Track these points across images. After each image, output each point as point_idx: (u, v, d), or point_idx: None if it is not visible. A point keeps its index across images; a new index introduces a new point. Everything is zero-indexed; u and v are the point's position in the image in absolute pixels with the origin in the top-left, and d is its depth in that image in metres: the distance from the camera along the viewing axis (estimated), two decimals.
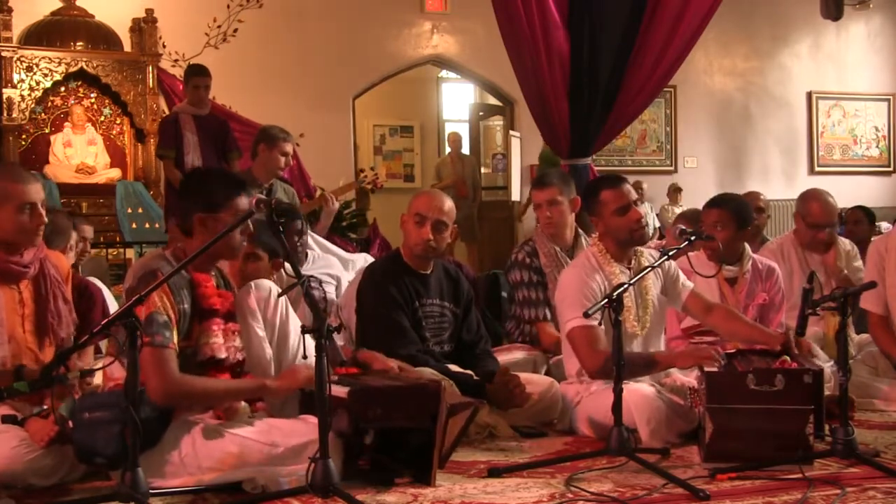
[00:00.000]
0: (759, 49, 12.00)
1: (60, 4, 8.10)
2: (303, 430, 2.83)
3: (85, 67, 7.69)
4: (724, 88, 11.90)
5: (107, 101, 7.94)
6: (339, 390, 2.81)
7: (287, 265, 3.62)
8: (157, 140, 7.37)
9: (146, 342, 2.69)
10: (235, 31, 9.23)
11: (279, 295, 3.04)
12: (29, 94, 7.52)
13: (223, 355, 2.91)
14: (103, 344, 3.80)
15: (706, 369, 3.20)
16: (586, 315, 3.10)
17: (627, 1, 6.46)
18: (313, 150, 8.80)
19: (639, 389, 3.39)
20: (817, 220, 4.85)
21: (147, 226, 7.33)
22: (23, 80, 7.49)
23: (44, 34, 7.79)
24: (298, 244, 4.49)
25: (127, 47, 8.11)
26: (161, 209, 7.35)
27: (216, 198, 2.98)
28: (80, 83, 7.85)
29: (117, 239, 7.36)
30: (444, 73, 12.74)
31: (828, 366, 3.72)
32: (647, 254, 3.86)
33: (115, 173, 7.87)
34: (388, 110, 12.69)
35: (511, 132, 10.93)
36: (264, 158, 5.59)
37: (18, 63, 7.48)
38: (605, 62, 6.48)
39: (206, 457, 2.78)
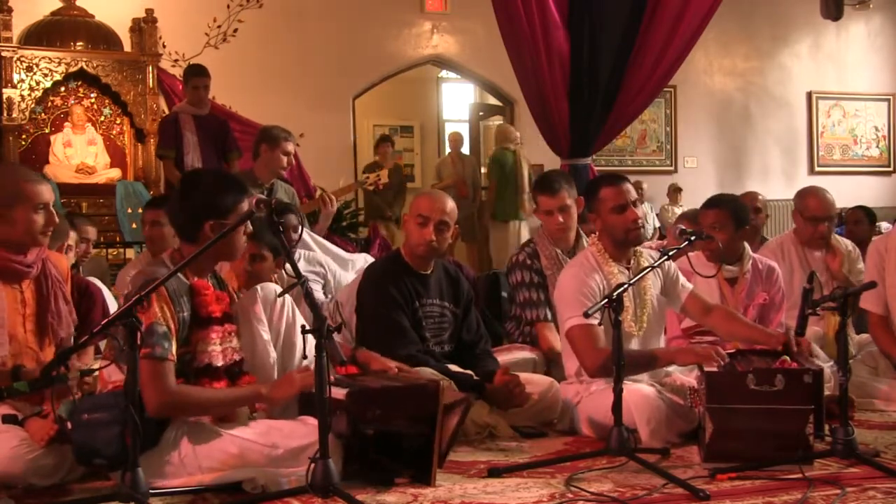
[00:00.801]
0: (759, 49, 12.00)
1: (60, 4, 8.10)
2: (302, 431, 2.83)
3: (85, 67, 7.69)
4: (724, 88, 11.90)
5: (107, 101, 7.93)
6: (338, 392, 2.80)
7: (287, 265, 3.62)
8: (156, 140, 7.38)
9: (145, 353, 2.69)
10: (235, 31, 9.23)
11: (279, 295, 3.04)
12: (29, 94, 7.51)
13: (219, 363, 2.90)
14: (103, 344, 3.80)
15: (706, 369, 3.21)
16: (586, 315, 3.11)
17: (627, 1, 6.47)
18: (313, 150, 8.79)
19: (639, 389, 3.39)
20: (815, 213, 4.86)
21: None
22: (23, 80, 7.48)
23: (44, 34, 7.78)
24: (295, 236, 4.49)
25: (127, 47, 8.10)
26: None
27: (226, 203, 2.96)
28: (80, 83, 7.84)
29: (117, 239, 7.35)
30: (444, 73, 12.74)
31: (828, 366, 3.72)
32: (647, 254, 3.86)
33: (115, 173, 7.86)
34: (388, 110, 12.68)
35: None
36: (266, 159, 5.59)
37: (18, 63, 7.47)
38: (605, 62, 6.49)
39: (206, 457, 2.78)
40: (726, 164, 11.87)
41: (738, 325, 3.74)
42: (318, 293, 4.61)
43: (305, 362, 3.03)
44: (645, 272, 3.42)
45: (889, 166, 12.75)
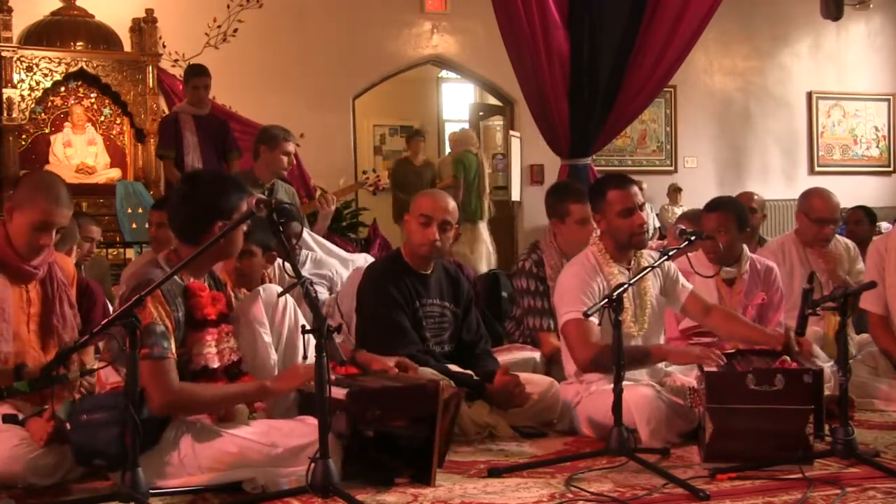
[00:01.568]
0: (759, 49, 11.99)
1: (60, 4, 8.09)
2: (302, 431, 2.83)
3: (85, 67, 7.68)
4: (724, 88, 11.90)
5: (107, 101, 7.93)
6: (338, 392, 2.80)
7: (287, 265, 3.61)
8: (157, 140, 7.38)
9: (144, 354, 2.68)
10: (235, 31, 9.23)
11: (279, 295, 3.03)
12: (29, 94, 7.51)
13: (215, 365, 2.90)
14: (102, 344, 3.80)
15: (706, 369, 3.21)
16: (586, 315, 3.11)
17: (627, 1, 6.47)
18: (313, 150, 8.79)
19: (639, 389, 3.39)
20: (821, 215, 4.85)
21: (147, 224, 7.31)
22: (23, 80, 7.48)
23: (44, 34, 7.78)
24: (296, 245, 4.50)
25: (127, 47, 8.10)
26: None
27: (231, 203, 2.96)
28: (80, 83, 7.84)
29: (117, 239, 7.34)
30: (444, 73, 12.74)
31: (828, 366, 3.73)
32: (647, 255, 3.86)
33: (115, 173, 7.85)
34: (388, 110, 12.68)
35: (511, 132, 10.93)
36: (267, 159, 5.59)
37: (18, 63, 7.47)
38: (605, 62, 6.49)
39: (206, 457, 2.78)
40: (726, 164, 11.87)
41: (738, 325, 3.74)
42: (324, 295, 4.61)
43: (306, 363, 3.03)
44: (645, 272, 3.42)
45: (889, 166, 12.75)
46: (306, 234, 5.07)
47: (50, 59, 7.57)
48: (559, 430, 3.74)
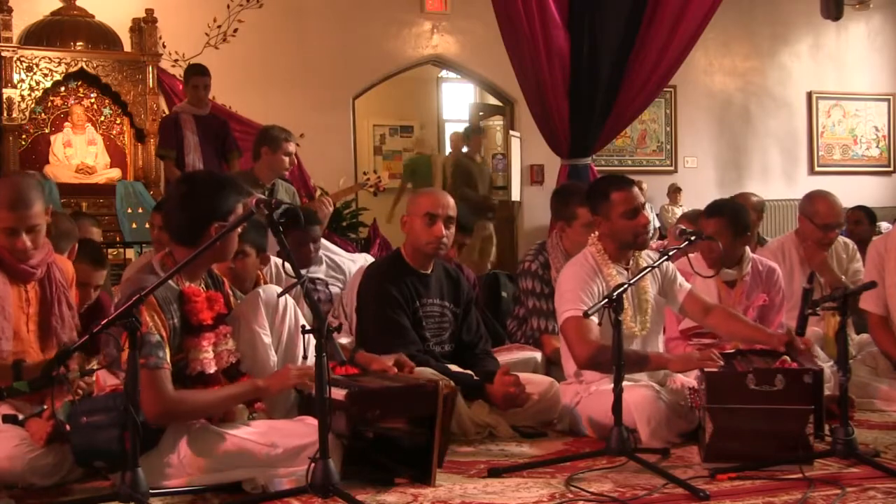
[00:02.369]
0: (759, 49, 11.99)
1: (60, 4, 8.09)
2: (302, 431, 2.83)
3: (85, 67, 7.68)
4: (724, 88, 11.90)
5: (107, 101, 7.93)
6: (338, 392, 2.80)
7: (287, 265, 3.61)
8: (157, 140, 7.38)
9: (140, 364, 2.68)
10: (235, 31, 9.23)
11: (278, 295, 3.03)
12: (29, 94, 7.51)
13: (212, 370, 2.90)
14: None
15: (706, 369, 3.20)
16: (586, 315, 3.11)
17: (627, 1, 6.46)
18: (313, 150, 8.79)
19: (639, 389, 3.40)
20: (826, 221, 4.84)
21: (147, 226, 7.31)
22: (23, 80, 7.47)
23: (44, 34, 7.77)
24: (313, 249, 4.50)
25: (127, 47, 8.10)
26: None
27: (229, 205, 2.96)
28: (80, 83, 7.84)
29: (117, 239, 7.35)
30: (444, 73, 12.74)
31: (828, 366, 3.72)
32: (646, 254, 3.85)
33: (115, 173, 7.85)
34: (388, 110, 12.68)
35: (511, 132, 10.93)
36: (269, 160, 5.60)
37: (18, 63, 7.47)
38: (605, 62, 6.48)
39: (206, 457, 2.78)
40: (726, 164, 11.87)
41: (738, 324, 3.74)
42: (336, 290, 4.61)
43: (306, 363, 3.02)
44: (644, 272, 3.42)
45: (889, 166, 12.75)
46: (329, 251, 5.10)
47: (50, 59, 7.57)
48: (559, 430, 3.74)
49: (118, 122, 7.99)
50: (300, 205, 5.79)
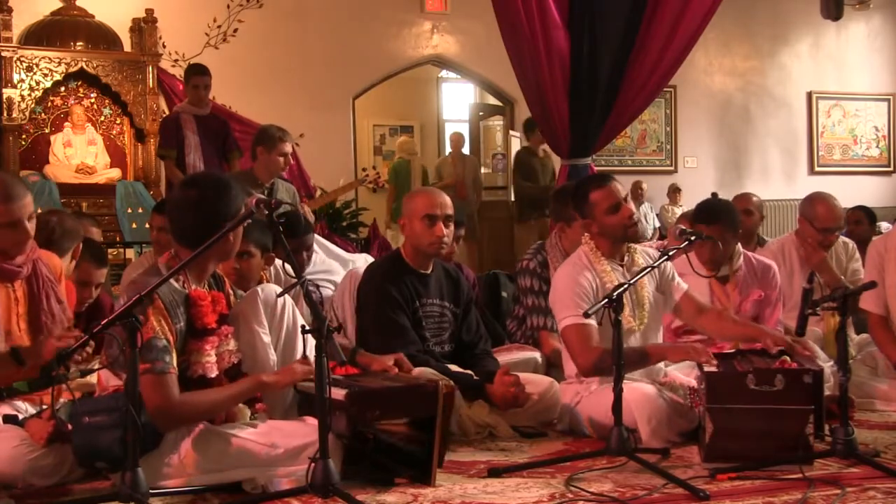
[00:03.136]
0: (759, 49, 12.00)
1: (60, 4, 8.10)
2: (303, 431, 2.83)
3: (85, 67, 7.69)
4: (724, 88, 11.90)
5: (107, 101, 7.93)
6: (338, 392, 2.80)
7: (287, 266, 3.61)
8: (157, 140, 7.38)
9: (146, 369, 2.68)
10: (235, 31, 9.23)
11: (279, 295, 3.03)
12: (29, 94, 7.51)
13: (213, 374, 2.89)
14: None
15: (706, 369, 3.21)
16: (586, 315, 3.11)
17: (627, 1, 6.46)
18: (313, 150, 8.80)
19: (639, 388, 3.40)
20: (826, 225, 4.84)
21: (147, 226, 7.31)
22: (23, 80, 7.48)
23: (44, 34, 7.78)
24: (305, 256, 4.50)
25: (127, 47, 8.10)
26: None
27: (237, 207, 2.94)
28: (80, 83, 7.84)
29: (117, 239, 7.35)
30: (444, 73, 12.74)
31: (828, 366, 3.72)
32: (641, 250, 3.85)
33: (115, 173, 7.86)
34: (388, 110, 12.68)
35: (511, 132, 10.93)
36: (264, 161, 5.60)
37: (18, 63, 7.47)
38: (605, 62, 6.48)
39: (206, 457, 2.77)
40: (726, 164, 11.87)
41: (730, 324, 3.74)
42: (328, 292, 4.61)
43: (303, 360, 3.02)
44: (645, 272, 3.41)
45: (889, 166, 12.75)
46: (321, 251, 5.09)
47: (50, 59, 7.58)
48: (559, 430, 3.74)
49: (118, 122, 8.00)
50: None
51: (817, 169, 12.26)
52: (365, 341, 3.77)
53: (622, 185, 3.76)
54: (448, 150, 11.93)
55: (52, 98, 7.75)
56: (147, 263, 4.86)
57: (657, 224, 10.95)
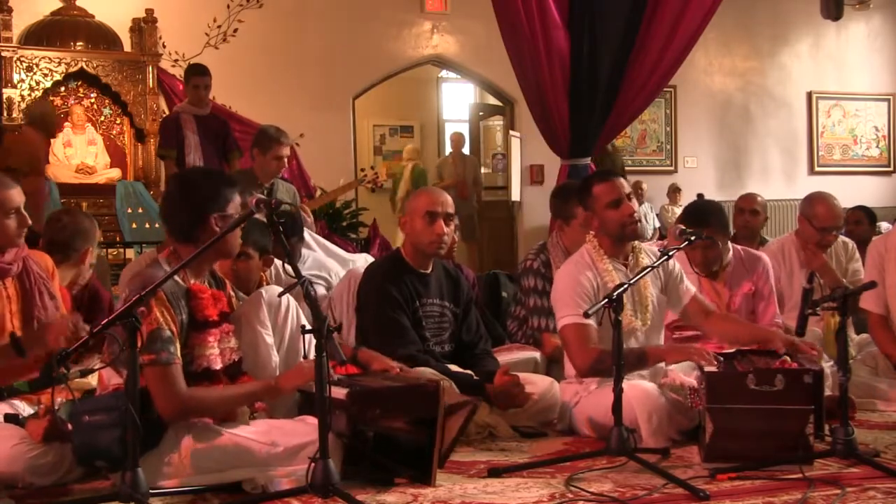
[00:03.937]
0: (759, 49, 12.00)
1: (60, 4, 8.10)
2: (303, 430, 2.83)
3: (85, 67, 7.69)
4: (724, 88, 11.90)
5: (107, 101, 7.94)
6: (339, 391, 2.80)
7: (287, 266, 3.61)
8: (157, 140, 7.38)
9: (151, 360, 2.69)
10: (235, 31, 9.23)
11: (279, 295, 3.03)
12: (29, 94, 7.51)
13: (217, 367, 2.90)
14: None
15: (706, 369, 3.21)
16: (586, 315, 3.11)
17: (627, 1, 6.47)
18: (313, 150, 8.80)
19: (640, 386, 3.40)
20: (825, 224, 4.85)
21: (147, 226, 7.32)
22: (23, 80, 7.48)
23: (44, 34, 7.78)
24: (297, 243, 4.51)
25: (127, 47, 8.10)
26: None
27: (225, 195, 2.96)
28: (80, 83, 7.85)
29: (117, 239, 7.35)
30: (444, 73, 12.74)
31: (828, 366, 3.72)
32: (646, 249, 3.85)
33: (115, 173, 7.86)
34: (388, 110, 12.68)
35: (511, 132, 10.94)
36: (259, 163, 5.61)
37: (18, 63, 7.47)
38: (605, 62, 6.49)
39: (206, 457, 2.78)
40: (726, 164, 11.87)
41: (737, 326, 3.75)
42: (321, 291, 4.62)
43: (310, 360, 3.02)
44: (644, 273, 3.41)
45: (889, 166, 12.75)
46: (307, 235, 5.08)
47: (50, 59, 7.58)
48: (559, 430, 3.74)
49: (118, 122, 8.00)
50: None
51: (817, 169, 12.26)
52: (365, 341, 3.76)
53: (627, 184, 3.75)
54: (448, 150, 11.94)
55: (52, 98, 7.75)
56: (146, 263, 4.87)
57: (657, 224, 10.95)
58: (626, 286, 3.16)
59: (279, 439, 2.81)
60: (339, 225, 8.47)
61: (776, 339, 3.48)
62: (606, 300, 3.06)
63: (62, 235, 3.86)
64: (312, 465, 2.58)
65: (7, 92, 7.40)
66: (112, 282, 5.66)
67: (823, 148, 12.41)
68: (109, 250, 7.16)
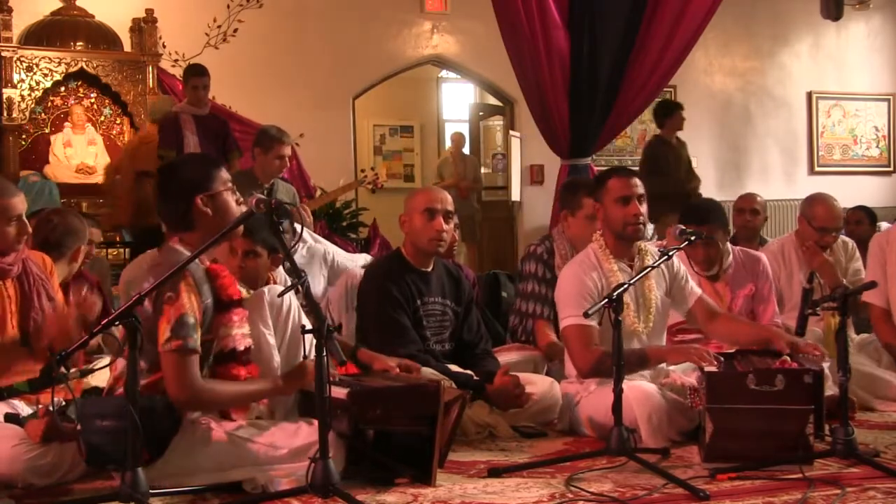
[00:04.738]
0: (759, 49, 11.99)
1: (60, 4, 8.09)
2: (305, 431, 2.83)
3: (85, 67, 7.69)
4: (724, 88, 11.89)
5: (107, 101, 7.93)
6: (339, 391, 2.80)
7: (287, 265, 3.60)
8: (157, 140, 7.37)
9: (177, 346, 2.69)
10: (235, 31, 9.22)
11: (279, 295, 3.03)
12: (29, 94, 7.51)
13: (243, 347, 2.89)
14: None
15: (706, 369, 3.21)
16: (586, 315, 3.11)
17: (627, 1, 6.47)
18: (313, 150, 8.79)
19: (640, 386, 3.40)
20: (824, 225, 4.85)
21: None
22: (23, 80, 7.48)
23: (44, 34, 7.78)
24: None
25: (127, 47, 8.10)
26: None
27: (208, 174, 2.97)
28: (80, 83, 7.84)
29: (117, 239, 7.35)
30: (444, 73, 12.73)
31: (828, 366, 3.72)
32: (653, 252, 3.85)
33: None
34: (388, 110, 12.68)
35: (511, 132, 10.93)
36: (260, 162, 5.62)
37: (18, 63, 7.47)
38: (605, 62, 6.50)
39: (207, 457, 2.78)
40: (726, 164, 11.86)
41: (743, 327, 3.77)
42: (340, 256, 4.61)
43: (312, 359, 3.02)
44: (643, 273, 3.41)
45: (889, 166, 12.74)
46: (307, 234, 5.08)
47: (50, 59, 7.58)
48: (559, 430, 3.74)
49: (118, 122, 8.00)
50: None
51: (817, 169, 12.25)
52: (365, 341, 3.77)
53: (641, 188, 3.75)
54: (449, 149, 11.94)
55: (52, 98, 7.75)
56: (146, 264, 4.86)
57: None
58: (625, 286, 3.17)
59: (281, 440, 2.81)
60: (339, 225, 8.47)
61: (780, 339, 3.49)
62: (606, 300, 3.06)
63: (53, 235, 3.87)
64: (312, 464, 2.58)
65: (7, 92, 7.40)
66: (112, 282, 5.66)
67: (823, 148, 12.40)
68: (109, 250, 7.16)
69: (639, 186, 3.70)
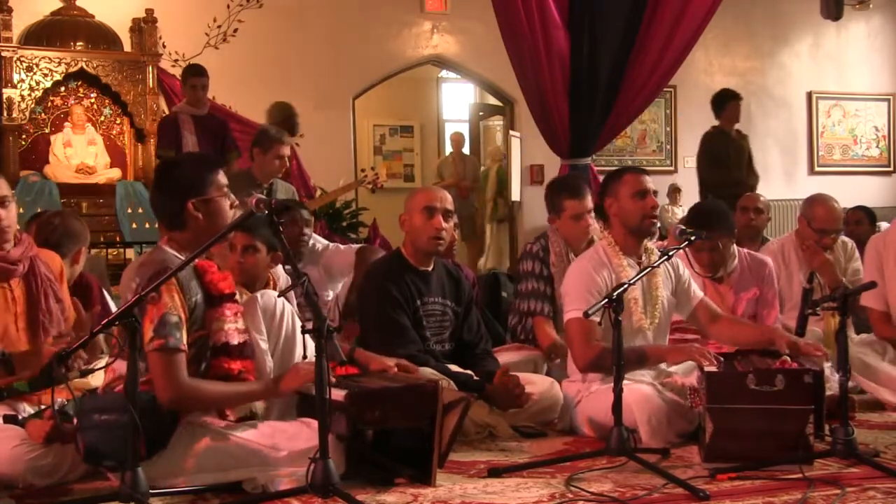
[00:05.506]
0: (759, 49, 11.99)
1: (60, 4, 8.09)
2: (306, 434, 2.82)
3: (85, 67, 7.68)
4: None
5: (107, 101, 7.93)
6: (338, 393, 2.80)
7: (287, 265, 3.60)
8: (156, 140, 7.38)
9: (159, 345, 2.69)
10: (235, 31, 9.22)
11: (279, 295, 3.02)
12: (29, 94, 7.51)
13: (236, 341, 2.89)
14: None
15: (706, 369, 3.21)
16: (587, 315, 3.11)
17: (627, 1, 6.47)
18: (313, 150, 8.79)
19: (639, 388, 3.40)
20: (824, 226, 4.85)
21: (147, 226, 7.31)
22: (23, 80, 7.47)
23: (44, 34, 7.77)
24: (304, 237, 4.52)
25: (127, 47, 8.10)
26: None
27: (201, 178, 2.96)
28: (80, 83, 7.84)
29: (117, 239, 7.35)
30: (444, 73, 12.74)
31: (827, 366, 3.72)
32: (658, 253, 3.85)
33: (115, 173, 7.85)
34: (388, 110, 12.68)
35: (511, 132, 10.93)
36: (259, 162, 5.61)
37: (18, 63, 7.47)
38: (605, 62, 6.49)
39: (207, 457, 2.77)
40: None
41: (744, 329, 3.77)
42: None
43: (306, 361, 3.02)
44: (643, 273, 3.41)
45: (889, 166, 12.74)
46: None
47: (50, 59, 7.57)
48: (559, 430, 3.74)
49: (118, 122, 7.99)
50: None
51: (817, 169, 12.25)
52: (365, 341, 3.77)
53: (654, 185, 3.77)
54: (448, 149, 11.94)
55: (52, 98, 7.74)
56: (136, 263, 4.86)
57: (657, 224, 10.93)
58: (625, 286, 3.17)
59: (281, 442, 2.80)
60: (339, 225, 8.47)
61: (781, 339, 3.49)
62: (606, 300, 3.06)
63: (54, 237, 3.86)
64: (312, 465, 2.58)
65: (7, 92, 7.40)
66: (112, 282, 5.66)
67: (823, 148, 12.40)
68: (109, 250, 7.16)
69: (652, 184, 3.74)
